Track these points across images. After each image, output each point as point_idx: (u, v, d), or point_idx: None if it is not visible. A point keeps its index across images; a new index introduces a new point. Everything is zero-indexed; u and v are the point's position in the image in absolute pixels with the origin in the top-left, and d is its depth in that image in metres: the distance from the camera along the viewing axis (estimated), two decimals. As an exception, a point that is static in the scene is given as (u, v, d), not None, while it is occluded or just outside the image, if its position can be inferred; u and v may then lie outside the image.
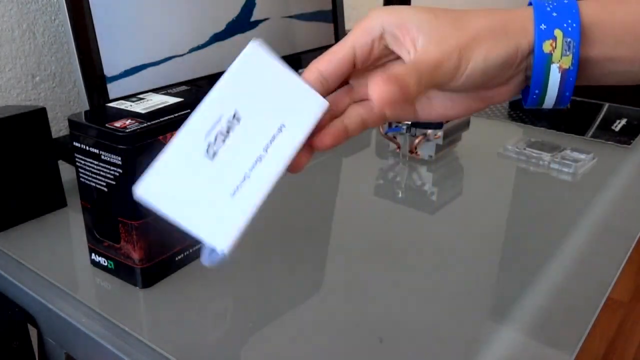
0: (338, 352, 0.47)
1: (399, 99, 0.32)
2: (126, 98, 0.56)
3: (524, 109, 1.06)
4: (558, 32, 0.34)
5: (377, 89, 0.32)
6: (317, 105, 0.35)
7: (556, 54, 0.34)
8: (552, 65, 0.34)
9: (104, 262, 0.55)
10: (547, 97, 0.36)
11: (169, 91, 0.59)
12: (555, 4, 0.35)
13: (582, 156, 0.84)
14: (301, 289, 0.55)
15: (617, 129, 0.98)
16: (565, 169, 0.82)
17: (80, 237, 0.58)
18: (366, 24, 0.36)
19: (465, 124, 0.87)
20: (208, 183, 0.33)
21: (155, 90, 0.59)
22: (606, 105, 1.10)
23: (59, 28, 0.82)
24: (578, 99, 1.12)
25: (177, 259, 0.56)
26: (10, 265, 0.58)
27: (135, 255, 0.52)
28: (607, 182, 0.79)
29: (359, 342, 0.48)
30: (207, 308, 0.52)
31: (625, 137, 0.94)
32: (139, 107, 0.53)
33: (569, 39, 0.34)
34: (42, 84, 0.82)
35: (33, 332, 0.57)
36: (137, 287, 0.54)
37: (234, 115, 0.34)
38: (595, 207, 0.72)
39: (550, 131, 0.96)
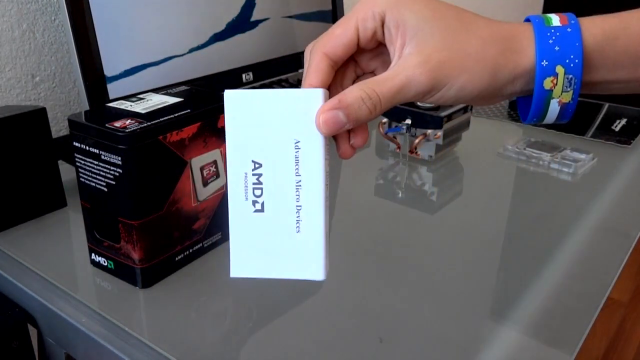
0: (338, 352, 0.47)
1: (345, 125, 0.33)
2: (126, 98, 0.56)
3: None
4: (560, 69, 0.33)
5: (321, 114, 0.33)
6: (314, 98, 0.35)
7: (557, 90, 0.34)
8: (552, 100, 0.34)
9: (104, 262, 0.55)
10: (544, 121, 0.36)
11: (169, 91, 0.59)
12: (557, 33, 0.33)
13: (582, 156, 0.84)
14: (301, 289, 0.55)
15: (617, 129, 0.98)
16: (565, 169, 0.82)
17: (80, 237, 0.58)
18: (372, 7, 0.35)
19: (465, 124, 0.87)
20: (274, 233, 0.35)
21: (155, 90, 0.59)
22: (606, 105, 1.10)
23: (59, 28, 0.82)
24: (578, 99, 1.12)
25: (177, 259, 0.56)
26: (10, 265, 0.58)
27: (135, 255, 0.52)
28: (607, 182, 0.79)
29: (359, 342, 0.48)
30: (207, 308, 0.52)
31: (625, 137, 0.94)
32: (138, 107, 0.53)
33: (570, 76, 0.33)
34: (42, 84, 0.82)
35: (33, 332, 0.57)
36: (137, 287, 0.54)
37: (254, 165, 0.35)
38: (595, 207, 0.72)
39: (550, 131, 0.96)
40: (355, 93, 0.33)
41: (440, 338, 0.49)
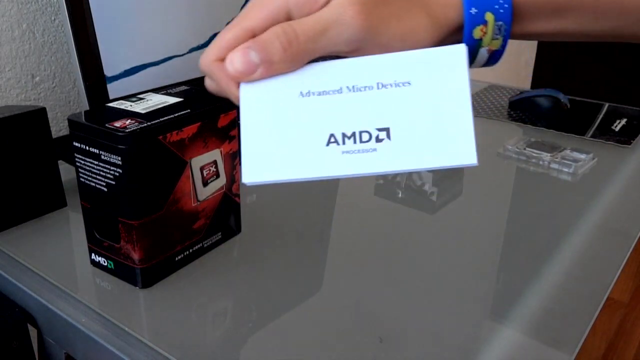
0: (338, 352, 0.47)
1: (258, 68, 0.29)
2: (126, 98, 0.56)
3: (524, 109, 1.06)
4: (489, 16, 0.31)
5: (233, 59, 0.29)
6: None
7: (486, 39, 0.32)
8: (480, 49, 0.32)
9: (104, 262, 0.55)
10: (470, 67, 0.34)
11: (169, 91, 0.59)
12: None
13: (582, 156, 0.84)
14: (301, 289, 0.55)
15: (617, 129, 0.98)
16: (565, 169, 0.82)
17: (80, 237, 0.58)
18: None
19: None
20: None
21: (155, 90, 0.59)
22: (606, 105, 1.10)
23: (59, 28, 0.82)
24: (578, 99, 1.12)
25: (177, 259, 0.56)
26: (10, 265, 0.58)
27: (135, 255, 0.52)
28: (607, 182, 0.79)
29: (359, 342, 0.48)
30: (207, 308, 0.52)
31: (625, 137, 0.94)
32: (138, 107, 0.53)
33: (500, 22, 0.31)
34: (42, 84, 0.82)
35: (33, 332, 0.57)
36: (137, 287, 0.54)
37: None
38: (595, 207, 0.72)
39: (550, 131, 0.96)
40: (270, 29, 0.29)
41: (440, 338, 0.49)
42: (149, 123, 0.50)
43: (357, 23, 0.29)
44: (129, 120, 0.50)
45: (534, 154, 0.85)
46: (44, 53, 0.81)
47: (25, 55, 0.79)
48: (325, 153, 0.30)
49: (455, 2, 0.31)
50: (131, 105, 0.54)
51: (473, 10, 0.31)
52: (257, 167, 0.31)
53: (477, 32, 0.31)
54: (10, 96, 0.79)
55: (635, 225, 0.68)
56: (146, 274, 0.54)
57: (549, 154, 0.84)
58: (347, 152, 0.30)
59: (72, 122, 0.52)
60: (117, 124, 0.49)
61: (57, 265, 0.58)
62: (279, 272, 0.58)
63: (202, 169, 0.55)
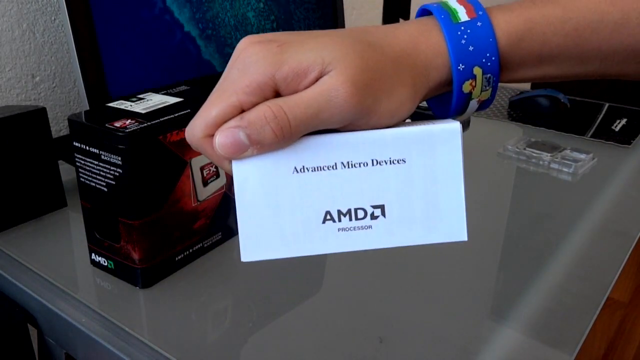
0: (338, 352, 0.47)
1: (247, 149, 0.28)
2: (126, 98, 0.56)
3: (524, 109, 1.06)
4: (477, 70, 0.31)
5: (221, 141, 0.28)
6: None
7: (476, 91, 0.32)
8: (471, 101, 0.33)
9: (104, 262, 0.55)
10: (460, 117, 0.35)
11: (169, 91, 0.59)
12: (468, 31, 0.31)
13: (582, 156, 0.84)
14: (301, 289, 0.55)
15: (617, 129, 0.98)
16: (565, 169, 0.82)
17: (80, 237, 0.58)
18: (252, 70, 0.29)
19: (466, 124, 0.87)
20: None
21: (155, 90, 0.59)
22: (606, 105, 1.10)
23: (59, 28, 0.82)
24: (578, 99, 1.12)
25: (177, 259, 0.56)
26: (10, 265, 0.58)
27: (135, 255, 0.52)
28: (607, 182, 0.79)
29: (359, 342, 0.48)
30: (207, 308, 0.52)
31: (625, 137, 0.94)
32: (138, 107, 0.53)
33: (488, 75, 0.31)
34: (42, 84, 0.82)
35: (33, 332, 0.57)
36: (137, 287, 0.54)
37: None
38: (595, 207, 0.72)
39: (550, 131, 0.96)
40: (259, 109, 0.28)
41: (440, 338, 0.49)
42: (149, 123, 0.50)
43: (350, 105, 0.28)
44: (129, 120, 0.50)
45: (534, 154, 0.85)
46: (44, 53, 0.81)
47: (25, 55, 0.79)
48: (322, 230, 0.31)
49: (441, 63, 0.31)
50: (131, 105, 0.54)
51: (461, 67, 0.31)
52: (254, 246, 0.31)
53: (466, 87, 0.32)
54: (10, 96, 0.79)
55: (635, 225, 0.68)
56: (146, 274, 0.54)
57: (549, 154, 0.84)
58: (343, 229, 0.31)
59: (72, 122, 0.52)
60: (117, 124, 0.49)
61: (57, 265, 0.58)
62: (279, 272, 0.58)
63: (202, 169, 0.55)
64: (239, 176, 0.30)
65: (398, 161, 0.31)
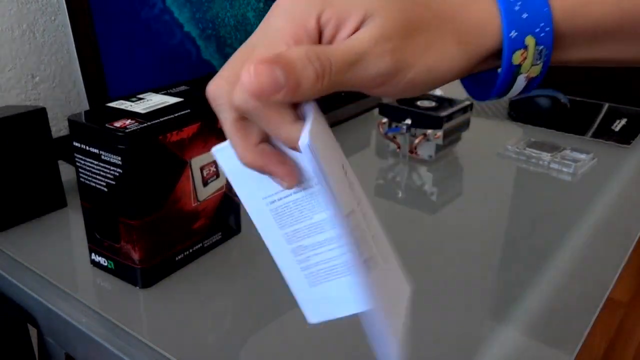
0: (338, 352, 0.47)
1: (280, 91, 0.25)
2: (126, 98, 0.56)
3: (524, 109, 1.06)
4: (530, 40, 0.29)
5: (252, 73, 0.25)
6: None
7: (526, 64, 0.30)
8: (518, 77, 0.30)
9: (104, 262, 0.55)
10: (504, 98, 0.33)
11: (169, 91, 0.59)
12: None
13: (582, 156, 0.84)
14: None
15: (617, 129, 0.98)
16: (565, 169, 0.82)
17: (80, 237, 0.58)
18: (304, 21, 0.27)
19: (465, 124, 0.87)
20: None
21: (155, 90, 0.59)
22: (606, 105, 1.10)
23: (59, 28, 0.82)
24: (578, 99, 1.12)
25: (177, 259, 0.56)
26: (10, 265, 0.58)
27: (135, 255, 0.52)
28: (607, 182, 0.79)
29: (359, 342, 0.48)
30: (207, 308, 0.52)
31: (625, 137, 0.94)
32: (138, 107, 0.53)
33: (541, 47, 0.29)
34: (42, 84, 0.82)
35: (33, 332, 0.57)
36: (137, 287, 0.54)
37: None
38: (595, 207, 0.72)
39: (550, 131, 0.96)
40: (300, 51, 0.26)
41: (441, 338, 0.49)
42: (149, 123, 0.50)
43: (387, 59, 0.27)
44: (129, 120, 0.50)
45: (534, 154, 0.85)
46: (44, 53, 0.81)
47: (25, 55, 0.79)
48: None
49: (492, 28, 0.29)
50: (131, 105, 0.54)
51: (513, 34, 0.29)
52: None
53: (516, 57, 0.29)
54: (10, 96, 0.79)
55: (635, 225, 0.68)
56: (146, 274, 0.54)
57: (549, 154, 0.84)
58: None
59: (72, 122, 0.52)
60: (117, 124, 0.49)
61: (57, 265, 0.58)
62: (279, 272, 0.58)
63: (202, 169, 0.55)
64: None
65: None
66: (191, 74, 0.81)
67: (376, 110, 0.92)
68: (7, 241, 0.62)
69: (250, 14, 0.87)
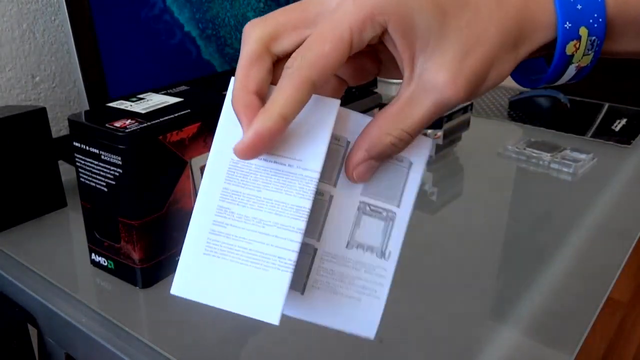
0: (338, 352, 0.47)
1: (378, 167, 0.32)
2: (126, 98, 0.56)
3: (524, 109, 1.06)
4: (583, 31, 0.30)
5: (354, 169, 0.31)
6: (329, 111, 0.30)
7: (578, 54, 0.31)
8: (570, 66, 0.31)
9: (104, 262, 0.55)
10: (552, 84, 0.34)
11: (169, 91, 0.59)
12: None
13: (582, 156, 0.84)
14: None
15: (617, 129, 0.98)
16: (565, 169, 0.82)
17: (80, 237, 0.58)
18: (371, 12, 0.28)
19: (465, 124, 0.87)
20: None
21: (155, 90, 0.59)
22: (606, 105, 1.10)
23: (59, 28, 0.82)
24: (578, 99, 1.12)
25: (177, 259, 0.56)
26: (10, 265, 0.58)
27: (135, 255, 0.52)
28: (607, 182, 0.79)
29: (359, 342, 0.48)
30: (207, 308, 0.52)
31: (625, 137, 0.94)
32: (138, 107, 0.53)
33: (593, 37, 0.30)
34: (42, 84, 0.82)
35: (33, 332, 0.57)
36: (137, 287, 0.54)
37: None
38: (595, 207, 0.72)
39: (550, 131, 0.96)
40: (384, 140, 0.30)
41: (440, 338, 0.49)
42: (149, 123, 0.50)
43: (461, 99, 0.29)
44: (129, 120, 0.50)
45: (534, 154, 0.85)
46: (44, 53, 0.81)
47: (25, 55, 0.79)
48: None
49: (547, 20, 0.30)
50: (131, 105, 0.54)
51: (567, 25, 0.30)
52: None
53: (570, 48, 0.30)
54: (10, 96, 0.79)
55: (635, 225, 0.68)
56: (146, 274, 0.54)
57: (549, 154, 0.84)
58: None
59: (72, 122, 0.52)
60: (117, 124, 0.49)
61: (57, 265, 0.58)
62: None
63: (202, 169, 0.55)
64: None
65: None
66: (191, 74, 0.81)
67: (376, 110, 0.92)
68: (7, 241, 0.62)
69: (250, 14, 0.87)
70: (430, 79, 0.29)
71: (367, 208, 0.32)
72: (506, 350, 0.48)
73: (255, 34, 0.30)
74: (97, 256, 0.56)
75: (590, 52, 0.31)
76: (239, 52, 0.30)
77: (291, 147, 0.30)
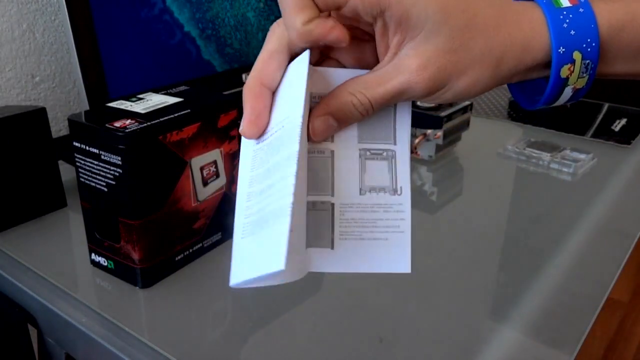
0: (338, 352, 0.47)
1: (337, 129, 0.33)
2: (126, 98, 0.56)
3: (524, 109, 1.06)
4: (577, 55, 0.31)
5: (312, 121, 0.32)
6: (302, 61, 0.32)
7: (572, 78, 0.32)
8: (566, 88, 0.33)
9: (104, 262, 0.55)
10: (550, 105, 0.35)
11: (169, 91, 0.59)
12: (570, 15, 0.31)
13: (582, 156, 0.84)
14: (301, 289, 0.55)
15: (617, 129, 0.98)
16: (565, 169, 0.82)
17: (80, 237, 0.58)
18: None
19: (465, 124, 0.87)
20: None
21: (155, 90, 0.59)
22: (606, 105, 1.10)
23: (59, 28, 0.82)
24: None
25: (177, 259, 0.56)
26: (10, 265, 0.58)
27: (135, 255, 0.52)
28: (607, 182, 0.79)
29: (359, 342, 0.48)
30: (207, 308, 0.52)
31: (625, 137, 0.94)
32: (138, 107, 0.53)
33: (587, 61, 0.31)
34: (42, 84, 0.82)
35: (33, 332, 0.57)
36: (137, 287, 0.54)
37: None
38: (595, 207, 0.72)
39: (550, 131, 0.96)
40: (345, 98, 0.32)
41: (440, 338, 0.49)
42: (149, 123, 0.50)
43: (424, 88, 0.31)
44: (129, 120, 0.50)
45: (534, 154, 0.85)
46: (44, 53, 0.81)
47: (25, 55, 0.79)
48: None
49: (539, 45, 0.31)
50: (131, 105, 0.54)
51: (561, 50, 0.31)
52: None
53: (564, 71, 0.31)
54: (10, 96, 0.79)
55: (635, 225, 0.68)
56: (146, 274, 0.54)
57: (549, 154, 0.84)
58: None
59: (72, 122, 0.52)
60: (117, 124, 0.49)
61: (57, 265, 0.58)
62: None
63: (202, 169, 0.55)
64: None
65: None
66: (191, 74, 0.81)
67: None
68: (7, 241, 0.62)
69: (250, 14, 0.87)
70: (406, 62, 0.30)
71: (368, 153, 0.34)
72: (506, 350, 0.48)
73: (278, 32, 0.32)
74: (97, 256, 0.56)
75: (585, 74, 0.32)
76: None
77: (280, 114, 0.32)
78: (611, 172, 0.82)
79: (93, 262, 0.57)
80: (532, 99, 0.35)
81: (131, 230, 0.51)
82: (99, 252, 0.55)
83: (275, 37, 0.32)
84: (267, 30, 0.33)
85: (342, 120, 0.32)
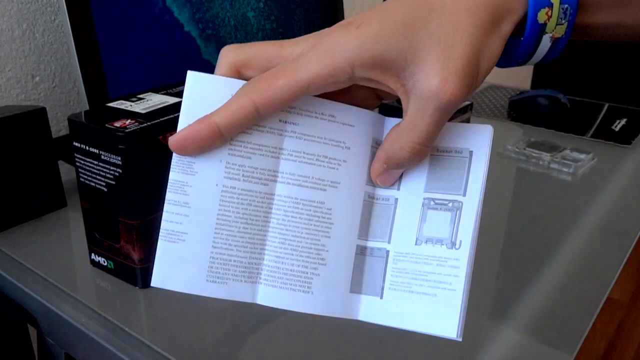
0: (338, 352, 0.47)
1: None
2: (126, 98, 0.56)
3: (524, 109, 1.06)
4: None
5: (377, 178, 0.32)
6: None
7: (551, 24, 0.30)
8: (544, 36, 0.31)
9: (104, 262, 0.55)
10: (528, 62, 0.33)
11: (169, 91, 0.59)
12: None
13: (582, 156, 0.84)
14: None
15: (617, 129, 0.98)
16: (565, 169, 0.82)
17: (80, 237, 0.58)
18: (332, 70, 0.29)
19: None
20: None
21: (155, 90, 0.59)
22: (606, 105, 1.10)
23: (59, 28, 0.82)
24: (578, 99, 1.12)
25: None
26: (10, 265, 0.58)
27: (135, 255, 0.52)
28: (607, 182, 0.79)
29: (359, 342, 0.48)
30: (207, 308, 0.52)
31: (625, 137, 0.94)
32: (138, 107, 0.53)
33: (565, 6, 0.30)
34: (42, 84, 0.82)
35: (33, 332, 0.57)
36: (137, 287, 0.54)
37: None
38: (595, 207, 0.72)
39: (550, 131, 0.96)
40: (399, 154, 0.31)
41: (440, 338, 0.49)
42: (149, 123, 0.50)
43: (461, 97, 0.29)
44: (129, 120, 0.50)
45: (534, 154, 0.85)
46: (44, 53, 0.81)
47: (25, 55, 0.79)
48: None
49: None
50: (131, 105, 0.54)
51: None
52: None
53: (541, 16, 0.30)
54: (10, 96, 0.79)
55: (635, 225, 0.68)
56: (146, 274, 0.54)
57: (549, 154, 0.84)
58: None
59: (72, 122, 0.52)
60: (117, 124, 0.49)
61: (57, 265, 0.58)
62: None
63: (202, 169, 0.55)
64: None
65: None
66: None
67: (376, 110, 0.92)
68: (7, 241, 0.62)
69: (250, 14, 0.87)
70: (424, 88, 0.28)
71: (432, 202, 0.32)
72: (506, 350, 0.48)
73: (229, 58, 0.31)
74: (97, 256, 0.56)
75: (563, 21, 0.30)
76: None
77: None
78: (611, 172, 0.82)
79: (93, 262, 0.57)
80: (508, 56, 0.33)
81: (131, 230, 0.51)
82: (99, 252, 0.56)
83: (226, 62, 0.31)
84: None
85: (405, 168, 0.32)
